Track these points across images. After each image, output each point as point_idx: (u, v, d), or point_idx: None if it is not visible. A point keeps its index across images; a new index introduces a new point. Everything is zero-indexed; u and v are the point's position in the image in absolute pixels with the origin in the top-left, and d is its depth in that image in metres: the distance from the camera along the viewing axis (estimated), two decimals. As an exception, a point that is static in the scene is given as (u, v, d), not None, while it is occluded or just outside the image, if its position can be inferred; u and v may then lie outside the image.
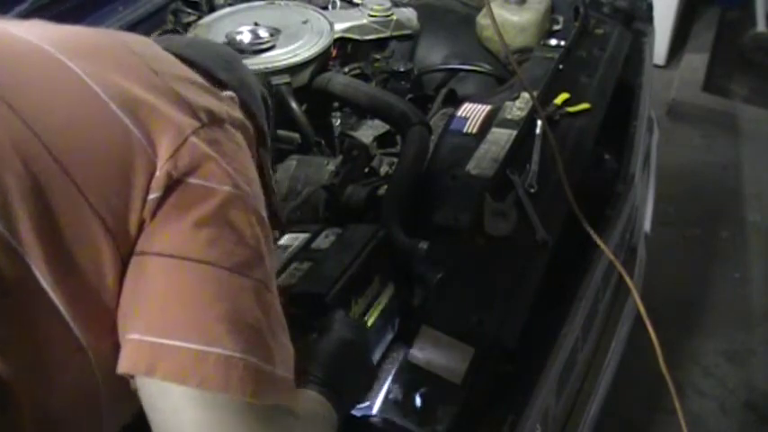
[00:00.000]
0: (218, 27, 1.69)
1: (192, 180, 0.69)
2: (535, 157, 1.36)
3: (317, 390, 0.87)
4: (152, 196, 0.68)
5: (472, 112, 1.51)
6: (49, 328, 0.65)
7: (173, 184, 0.69)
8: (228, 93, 0.93)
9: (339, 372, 0.92)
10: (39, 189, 0.64)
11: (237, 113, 0.80)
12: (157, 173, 0.68)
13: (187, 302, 0.67)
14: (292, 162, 1.48)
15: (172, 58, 0.84)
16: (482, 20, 1.94)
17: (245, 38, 1.63)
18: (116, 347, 0.68)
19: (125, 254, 0.68)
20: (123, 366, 0.67)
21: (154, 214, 0.68)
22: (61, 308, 0.65)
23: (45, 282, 0.64)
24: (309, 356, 0.92)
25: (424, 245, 1.18)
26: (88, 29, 0.85)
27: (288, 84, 1.58)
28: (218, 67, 0.96)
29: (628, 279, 1.30)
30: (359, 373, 0.97)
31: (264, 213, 0.76)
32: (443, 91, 1.78)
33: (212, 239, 0.68)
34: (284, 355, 0.72)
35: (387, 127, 1.62)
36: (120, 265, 0.68)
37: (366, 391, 1.00)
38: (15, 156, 0.64)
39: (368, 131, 1.65)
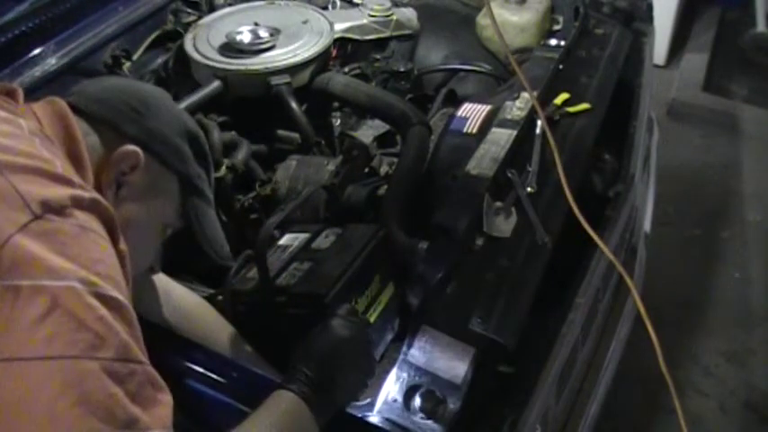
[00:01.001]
0: (218, 27, 1.69)
1: (19, 282, 0.70)
2: (535, 157, 1.36)
3: (297, 390, 0.88)
4: None
5: (472, 112, 1.51)
6: None
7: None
8: (127, 149, 0.93)
9: (330, 370, 0.92)
10: None
11: (88, 194, 0.80)
12: None
13: (39, 398, 0.68)
14: (292, 162, 1.48)
15: (29, 145, 0.83)
16: (482, 20, 1.95)
17: (245, 38, 1.63)
18: None
19: None
20: None
21: None
22: None
23: None
24: (303, 352, 0.93)
25: (423, 245, 1.19)
26: None
27: (288, 84, 1.58)
28: (123, 120, 0.96)
29: (628, 279, 1.30)
30: (354, 371, 0.97)
31: (115, 288, 0.76)
32: (443, 91, 1.78)
33: (51, 335, 0.70)
34: (155, 414, 0.74)
35: (387, 127, 1.62)
36: None
37: (362, 388, 1.00)
38: None
39: (368, 131, 1.65)
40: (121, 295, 0.76)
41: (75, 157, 0.88)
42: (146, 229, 0.99)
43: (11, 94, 0.93)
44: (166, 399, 0.76)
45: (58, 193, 0.77)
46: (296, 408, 0.88)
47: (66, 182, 0.79)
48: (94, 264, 0.75)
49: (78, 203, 0.78)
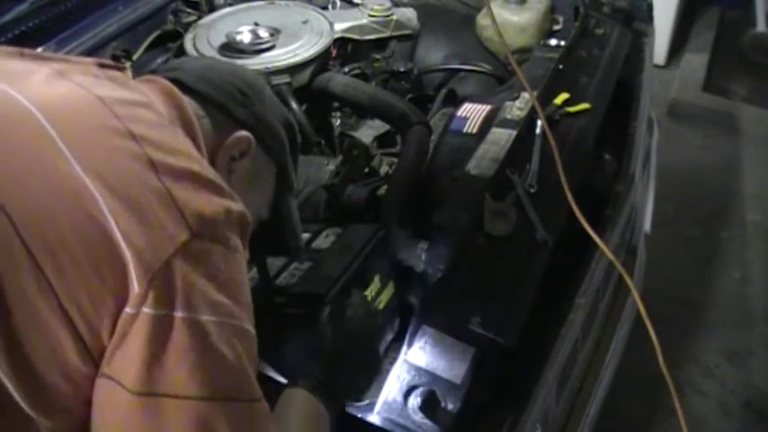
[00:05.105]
0: (218, 27, 1.69)
1: (172, 312, 0.68)
2: (535, 157, 1.36)
3: (311, 385, 0.88)
4: (128, 310, 0.67)
5: (472, 112, 1.51)
6: (10, 418, 0.65)
7: (148, 312, 0.67)
8: (242, 134, 0.89)
9: (341, 364, 0.93)
10: (1, 279, 0.64)
11: (237, 207, 0.76)
12: (136, 289, 0.67)
13: None
14: (292, 162, 1.48)
15: (174, 137, 0.78)
16: (482, 20, 1.95)
17: (245, 38, 1.63)
18: (74, 426, 0.70)
19: (96, 354, 0.68)
20: None
21: (127, 331, 0.67)
22: (14, 393, 0.65)
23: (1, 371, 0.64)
24: (317, 340, 0.93)
25: (423, 245, 1.18)
26: (86, 95, 0.77)
27: (288, 84, 1.58)
28: (234, 103, 0.91)
29: (628, 279, 1.30)
30: (363, 364, 0.98)
31: (246, 318, 0.74)
32: (443, 91, 1.78)
33: (192, 374, 0.68)
34: None
35: (387, 127, 1.62)
36: (88, 361, 0.68)
37: (368, 383, 1.01)
38: None
39: (368, 131, 1.65)
40: (251, 325, 0.75)
41: (193, 144, 0.82)
42: None
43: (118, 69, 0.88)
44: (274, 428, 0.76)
45: (213, 205, 0.73)
46: (313, 407, 0.88)
47: (218, 190, 0.75)
48: (239, 290, 0.74)
49: (229, 218, 0.74)
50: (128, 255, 0.66)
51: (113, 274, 0.67)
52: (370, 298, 1.10)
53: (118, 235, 0.67)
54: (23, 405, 0.65)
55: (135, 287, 0.66)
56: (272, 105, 0.98)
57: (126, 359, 0.68)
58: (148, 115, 0.78)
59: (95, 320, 0.67)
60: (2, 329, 0.64)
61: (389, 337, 1.16)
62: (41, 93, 0.74)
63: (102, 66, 0.87)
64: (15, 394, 0.65)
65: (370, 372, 1.01)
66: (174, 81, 0.88)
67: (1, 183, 0.66)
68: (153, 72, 0.94)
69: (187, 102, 0.86)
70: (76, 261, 0.66)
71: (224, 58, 1.59)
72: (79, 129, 0.72)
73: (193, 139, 0.82)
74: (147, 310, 0.67)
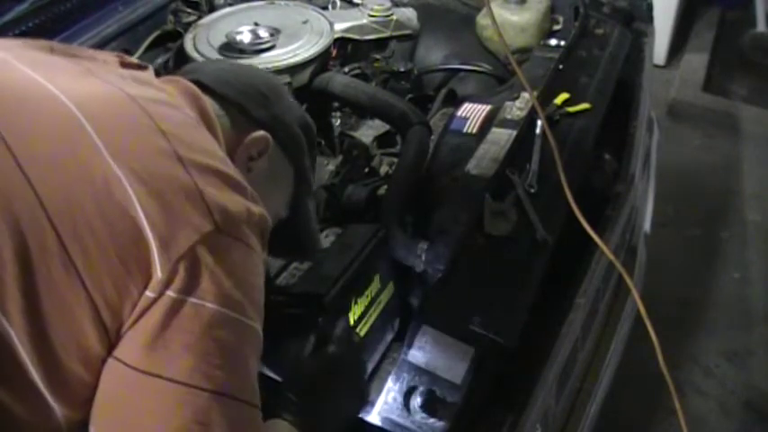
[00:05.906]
0: (218, 27, 1.69)
1: (188, 298, 0.69)
2: (535, 157, 1.36)
3: (291, 418, 0.87)
4: (149, 294, 0.68)
5: (472, 112, 1.51)
6: (28, 402, 0.66)
7: (168, 295, 0.68)
8: (260, 133, 0.90)
9: (321, 398, 0.92)
10: (31, 264, 0.65)
11: (257, 209, 0.77)
12: (159, 275, 0.68)
13: (167, 422, 0.68)
14: (292, 162, 1.48)
15: (201, 136, 0.80)
16: (482, 20, 1.95)
17: (245, 38, 1.62)
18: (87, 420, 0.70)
19: (114, 336, 0.69)
20: None
21: (143, 313, 0.68)
22: (39, 382, 0.66)
23: (26, 356, 0.65)
24: (298, 375, 0.93)
25: (424, 245, 1.19)
26: (118, 92, 0.78)
27: (288, 84, 1.58)
28: (252, 104, 0.93)
29: (628, 279, 1.30)
30: (344, 397, 0.97)
31: (257, 319, 0.75)
32: (443, 91, 1.78)
33: (197, 363, 0.69)
34: None
35: (387, 127, 1.62)
36: (108, 347, 0.69)
37: (353, 414, 1.01)
38: (14, 224, 0.65)
39: (368, 131, 1.65)
40: (260, 324, 0.75)
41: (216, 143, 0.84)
42: None
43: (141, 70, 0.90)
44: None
45: (236, 203, 0.74)
46: None
47: (241, 189, 0.77)
48: (253, 291, 0.74)
49: (250, 218, 0.76)
50: (152, 242, 0.68)
51: (138, 262, 0.68)
52: (369, 298, 1.10)
53: (144, 223, 0.68)
54: (46, 394, 0.66)
55: (158, 273, 0.68)
56: (290, 107, 1.00)
57: (133, 339, 0.68)
58: (176, 114, 0.80)
59: (118, 307, 0.68)
60: (29, 317, 0.65)
61: (389, 337, 1.16)
62: (74, 87, 0.76)
63: (125, 64, 0.88)
64: (39, 382, 0.65)
65: (355, 406, 1.01)
66: (194, 82, 0.90)
67: (35, 170, 0.67)
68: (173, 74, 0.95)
69: (208, 101, 0.88)
70: (103, 248, 0.67)
71: (224, 59, 1.59)
72: (110, 121, 0.74)
73: (214, 137, 0.84)
74: (168, 293, 0.68)
